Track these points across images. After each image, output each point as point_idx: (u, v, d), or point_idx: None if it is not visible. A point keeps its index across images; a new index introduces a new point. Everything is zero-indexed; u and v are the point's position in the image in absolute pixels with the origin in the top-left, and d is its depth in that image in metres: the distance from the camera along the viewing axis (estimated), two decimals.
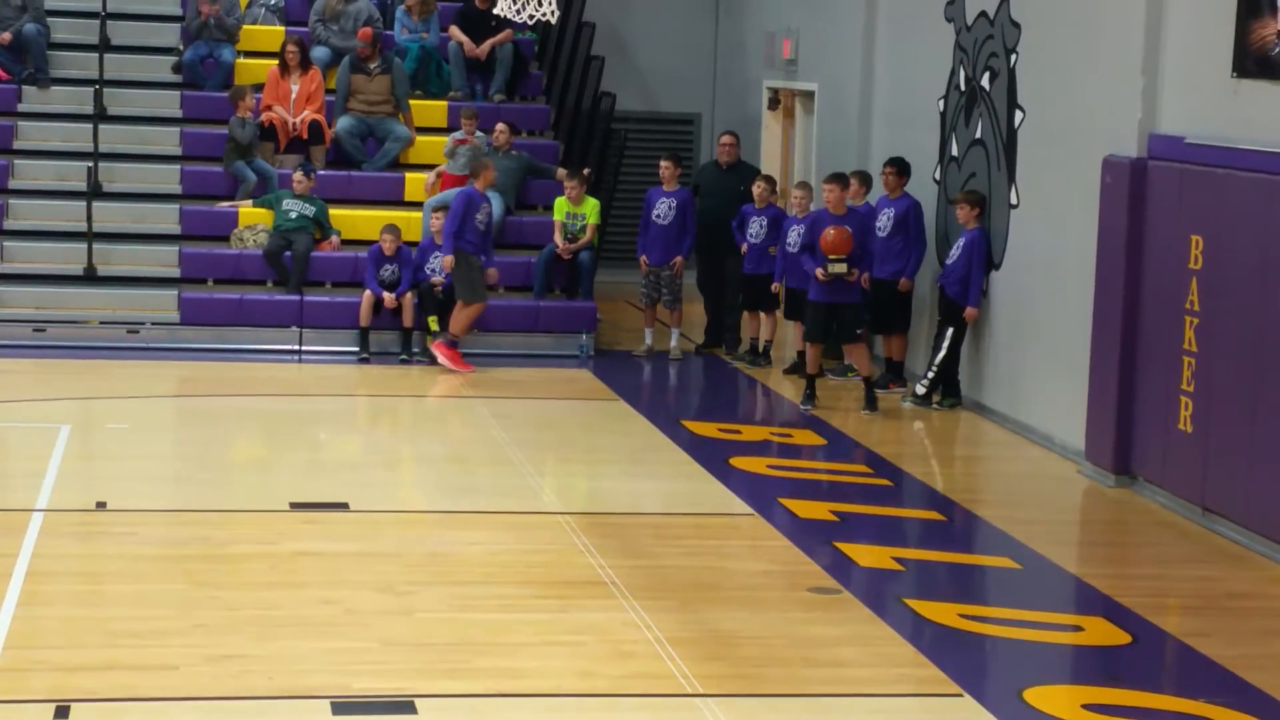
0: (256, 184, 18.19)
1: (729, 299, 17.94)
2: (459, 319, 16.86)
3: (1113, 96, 13.33)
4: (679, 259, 17.53)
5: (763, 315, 17.45)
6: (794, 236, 16.68)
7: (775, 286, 17.02)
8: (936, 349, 15.48)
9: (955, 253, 15.30)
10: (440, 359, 16.76)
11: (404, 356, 17.08)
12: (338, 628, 9.41)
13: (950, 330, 15.33)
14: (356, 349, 17.17)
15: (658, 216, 17.57)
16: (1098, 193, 13.31)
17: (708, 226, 17.79)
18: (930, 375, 15.52)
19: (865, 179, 16.47)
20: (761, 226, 17.18)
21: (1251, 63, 11.77)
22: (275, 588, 10.10)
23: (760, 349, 17.51)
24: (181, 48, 19.70)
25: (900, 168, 16.24)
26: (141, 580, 10.17)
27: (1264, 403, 11.40)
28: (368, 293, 17.08)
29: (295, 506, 11.87)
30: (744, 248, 17.36)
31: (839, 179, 15.78)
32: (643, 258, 17.71)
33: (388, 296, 17.04)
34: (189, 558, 10.60)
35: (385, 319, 17.18)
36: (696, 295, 18.52)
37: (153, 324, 17.33)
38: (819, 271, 15.31)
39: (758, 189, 17.38)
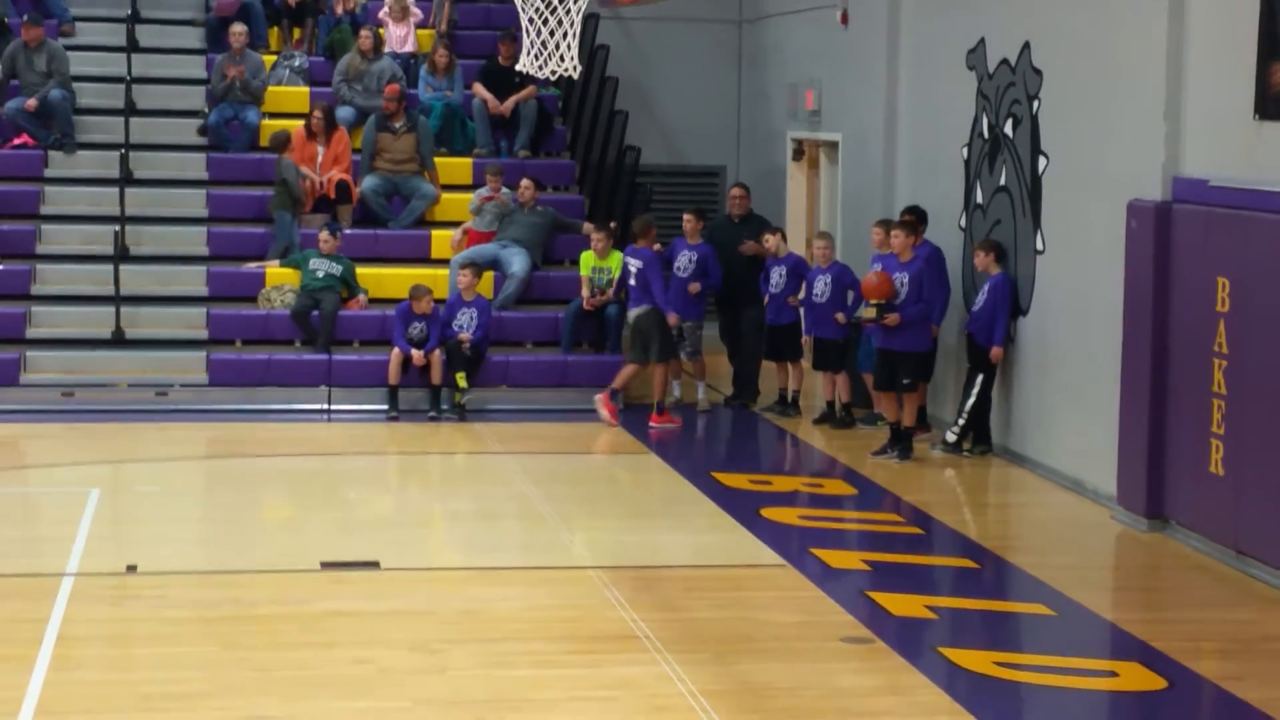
0: (286, 249, 18.25)
1: (748, 350, 17.90)
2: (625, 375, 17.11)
3: (1136, 140, 13.33)
4: (674, 316, 17.30)
5: (789, 365, 17.44)
6: (820, 287, 16.69)
7: (805, 339, 17.03)
8: (966, 395, 15.45)
9: (981, 299, 15.29)
10: (601, 412, 16.89)
11: (433, 414, 17.09)
12: (370, 687, 9.39)
13: (980, 377, 15.30)
14: (385, 407, 17.18)
15: (678, 269, 17.56)
16: (1123, 237, 13.30)
17: (727, 279, 17.78)
18: (960, 422, 15.49)
19: (911, 226, 16.20)
20: (781, 276, 17.18)
21: (1273, 105, 11.76)
22: (307, 648, 10.08)
23: (789, 399, 17.49)
24: (207, 110, 19.82)
25: (920, 217, 16.21)
26: (172, 643, 10.17)
27: None
28: (396, 350, 17.11)
29: (326, 566, 11.87)
30: (766, 298, 17.37)
31: (899, 224, 15.77)
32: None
33: (416, 354, 17.07)
34: (220, 619, 10.60)
35: (414, 376, 17.20)
36: (720, 346, 18.52)
37: (181, 386, 17.38)
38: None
39: (773, 240, 17.34)
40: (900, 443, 15.45)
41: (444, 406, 17.15)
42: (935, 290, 15.78)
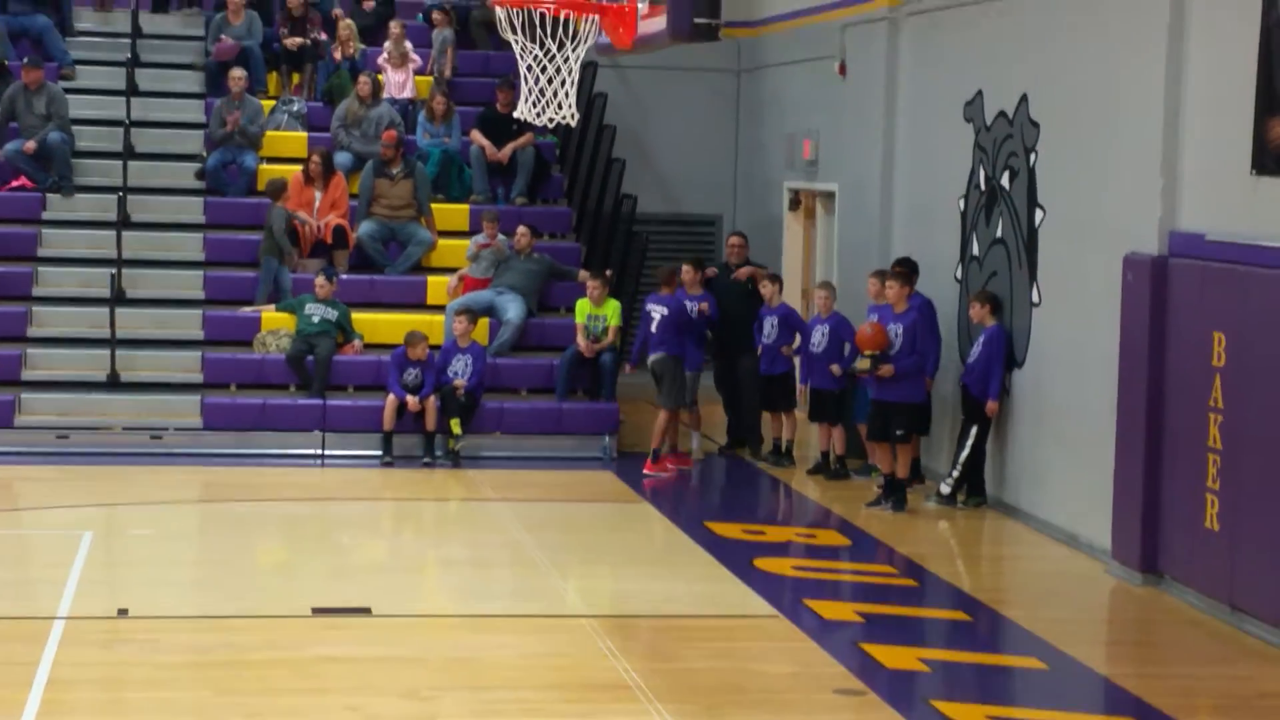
0: (271, 293, 18.27)
1: (747, 399, 17.90)
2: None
3: (1133, 194, 13.35)
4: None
5: (783, 415, 17.43)
6: (818, 337, 16.70)
7: (801, 389, 17.04)
8: (960, 447, 15.44)
9: (976, 350, 15.30)
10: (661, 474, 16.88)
11: (426, 460, 17.07)
12: None
13: (974, 429, 15.29)
14: (380, 452, 17.17)
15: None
16: (1119, 290, 13.31)
17: (721, 328, 17.79)
18: (955, 474, 15.48)
19: (905, 277, 16.22)
20: (773, 326, 17.19)
21: (1270, 160, 11.79)
22: (298, 694, 10.05)
23: (783, 449, 17.47)
24: (205, 154, 19.85)
25: (912, 269, 16.24)
26: (164, 688, 10.13)
27: None
28: (391, 396, 17.10)
29: (318, 611, 11.83)
30: (759, 348, 17.37)
31: (894, 275, 15.79)
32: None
33: (411, 400, 17.06)
34: (212, 664, 10.57)
35: (408, 422, 17.19)
36: (716, 396, 18.52)
37: (176, 429, 17.36)
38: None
39: (766, 289, 17.35)
40: (894, 494, 15.44)
41: (438, 453, 17.14)
42: (928, 342, 15.79)
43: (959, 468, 15.44)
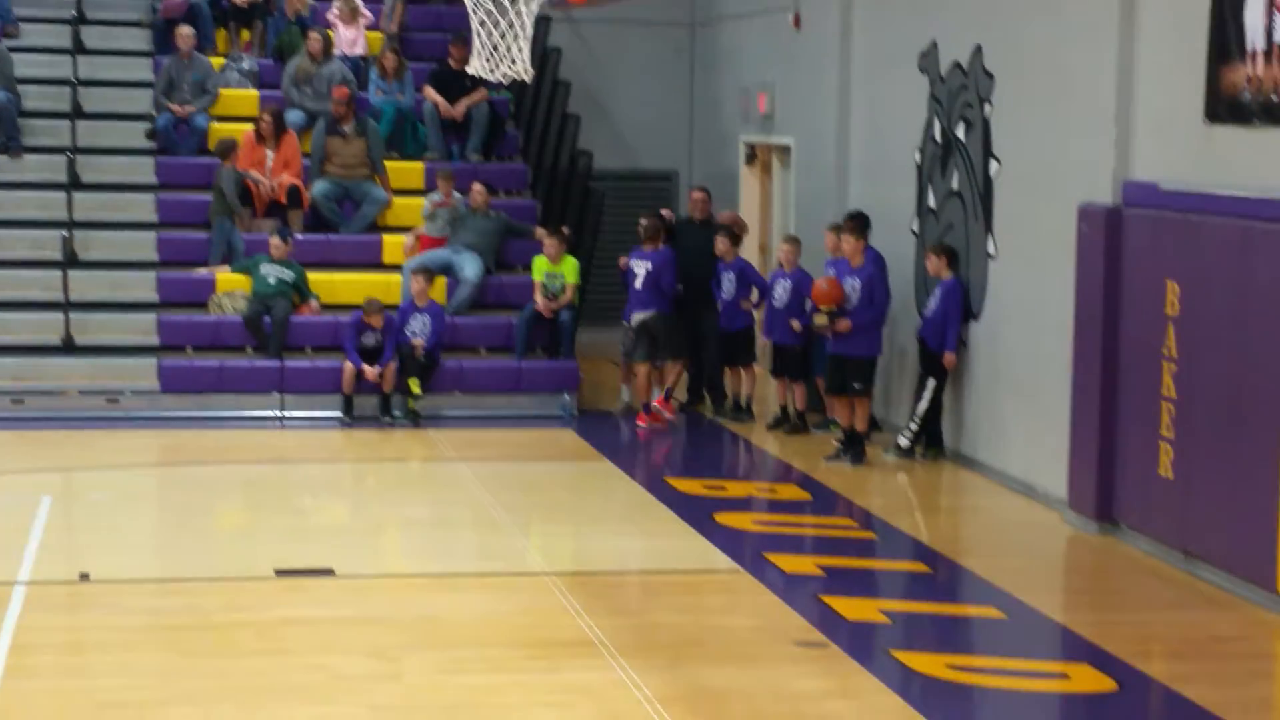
0: (225, 254, 18.19)
1: (709, 355, 17.94)
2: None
3: (1087, 144, 13.40)
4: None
5: (742, 370, 17.47)
6: (780, 291, 16.72)
7: (763, 343, 17.05)
8: (918, 400, 15.51)
9: (933, 303, 15.35)
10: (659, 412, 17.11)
11: (386, 419, 17.06)
12: (326, 694, 9.38)
13: (931, 381, 15.36)
14: (339, 413, 17.15)
15: (635, 278, 17.60)
16: (1074, 241, 13.37)
17: (686, 283, 17.80)
18: (913, 427, 15.54)
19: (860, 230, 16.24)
20: (730, 281, 17.19)
21: (1223, 108, 11.84)
22: (262, 655, 10.06)
23: (742, 404, 17.51)
24: (155, 114, 19.72)
25: (860, 224, 16.29)
26: (127, 650, 10.13)
27: (1242, 447, 11.43)
28: (348, 364, 17.04)
29: (280, 573, 11.83)
30: (719, 304, 17.39)
31: (849, 228, 15.84)
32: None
33: (369, 370, 17.02)
34: (174, 627, 10.57)
35: (368, 384, 17.16)
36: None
37: (132, 392, 17.30)
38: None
39: (722, 244, 17.32)
40: (853, 448, 15.50)
41: (396, 413, 17.12)
42: (885, 296, 15.81)
43: (917, 420, 15.51)
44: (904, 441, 15.57)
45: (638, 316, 17.27)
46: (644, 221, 17.67)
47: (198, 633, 10.44)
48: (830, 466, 15.37)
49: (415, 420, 17.03)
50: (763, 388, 17.84)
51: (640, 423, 17.12)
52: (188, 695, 9.29)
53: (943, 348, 15.20)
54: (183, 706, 9.12)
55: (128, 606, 11.03)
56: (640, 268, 17.19)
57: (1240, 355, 11.49)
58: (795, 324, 16.56)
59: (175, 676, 9.60)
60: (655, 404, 17.23)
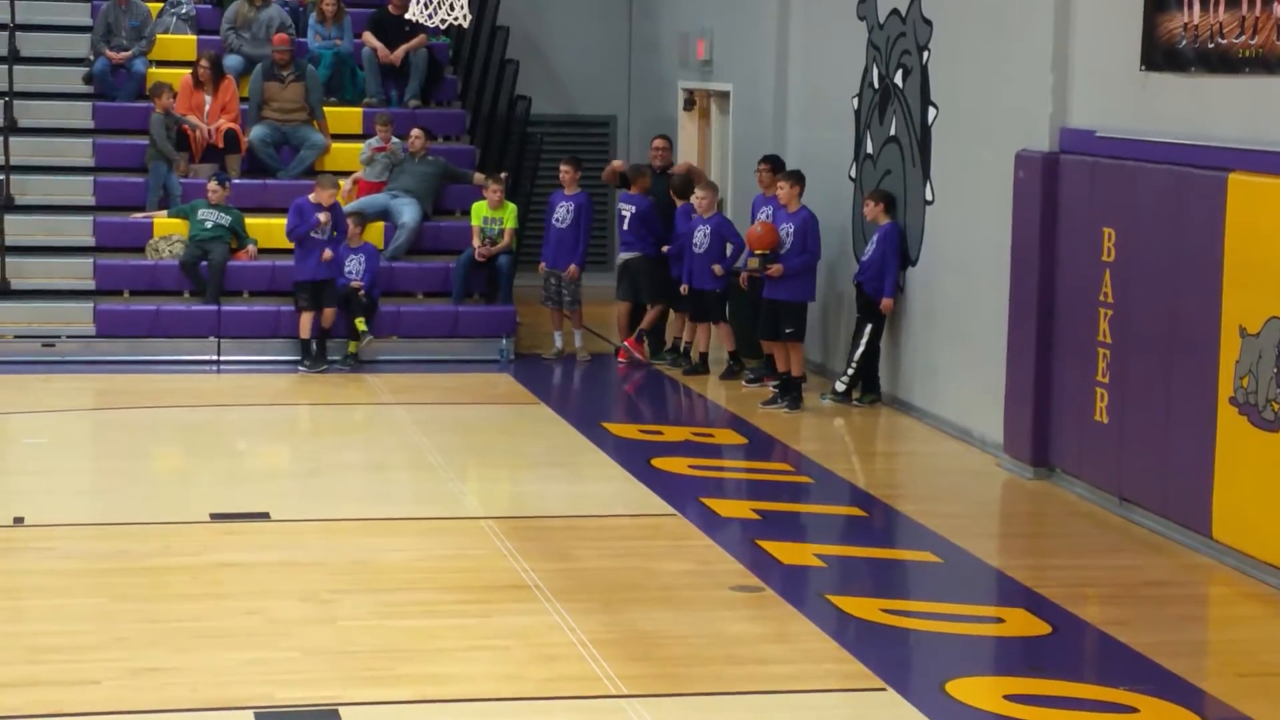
0: (161, 199, 18.08)
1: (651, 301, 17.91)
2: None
3: (1024, 91, 13.43)
4: (573, 267, 17.52)
5: (713, 326, 17.21)
6: (700, 238, 16.70)
7: (683, 288, 17.01)
8: (855, 345, 15.55)
9: (870, 249, 15.38)
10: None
11: (334, 362, 16.96)
12: (261, 638, 9.36)
13: (869, 326, 15.40)
14: (276, 357, 17.11)
15: (557, 220, 17.65)
16: (1011, 187, 13.41)
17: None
18: (850, 372, 15.58)
19: (798, 176, 16.27)
20: (705, 236, 16.81)
21: (1160, 56, 11.88)
22: (197, 599, 10.04)
23: (694, 356, 17.29)
24: (92, 58, 19.55)
25: (775, 166, 16.32)
26: (62, 595, 10.09)
27: (1177, 392, 11.52)
28: (306, 316, 16.91)
29: (216, 517, 11.80)
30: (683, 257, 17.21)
31: (786, 174, 15.87)
32: (541, 264, 17.81)
33: (327, 252, 16.93)
34: (109, 571, 10.54)
35: (318, 327, 17.04)
36: (614, 297, 18.53)
37: (68, 337, 17.20)
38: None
39: (703, 199, 16.94)
40: (789, 393, 15.54)
41: (333, 358, 17.06)
42: (819, 241, 15.79)
43: (853, 365, 15.55)
44: (840, 386, 15.62)
45: (622, 256, 17.56)
46: (619, 165, 18.31)
47: (132, 577, 10.41)
48: (767, 411, 15.41)
49: (357, 364, 16.96)
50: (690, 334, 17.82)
51: (620, 358, 17.35)
52: (122, 639, 9.26)
53: (880, 293, 15.24)
54: (116, 650, 9.09)
55: (62, 551, 10.99)
56: (626, 210, 17.35)
57: (1175, 301, 11.56)
58: (716, 268, 16.56)
59: (109, 620, 9.57)
60: (627, 344, 17.37)
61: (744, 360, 16.89)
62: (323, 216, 16.92)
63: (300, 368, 16.90)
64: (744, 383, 16.55)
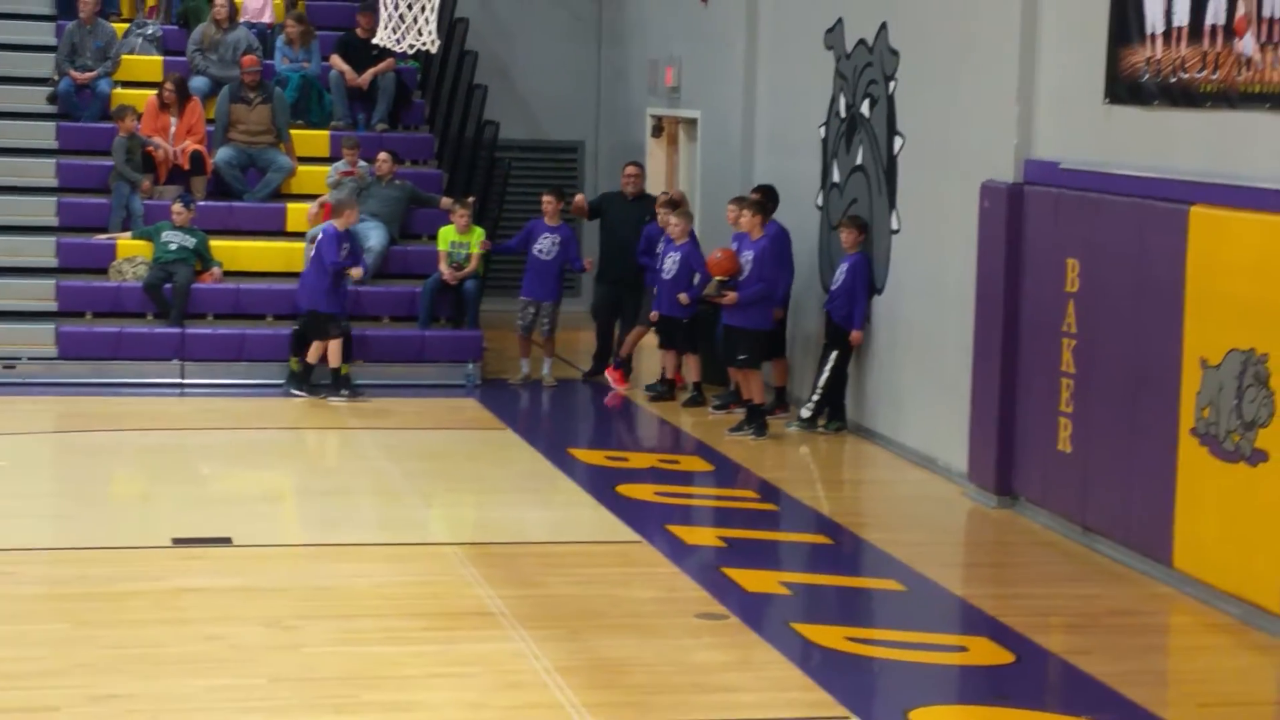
0: (124, 220, 18.03)
1: (625, 330, 17.92)
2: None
3: (989, 122, 13.49)
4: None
5: (683, 356, 17.10)
6: (669, 263, 16.73)
7: (652, 315, 17.05)
8: (820, 372, 15.57)
9: (839, 277, 15.40)
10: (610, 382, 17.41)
11: (335, 393, 16.84)
12: (223, 664, 9.33)
13: (835, 354, 15.42)
14: (261, 381, 17.08)
15: (539, 251, 17.63)
16: (976, 217, 13.46)
17: (611, 256, 17.82)
18: (815, 399, 15.60)
19: (759, 205, 16.32)
20: (674, 263, 16.77)
21: (1123, 89, 11.95)
22: (159, 625, 9.99)
23: (663, 384, 17.30)
24: (57, 78, 19.49)
25: (767, 196, 16.32)
26: (21, 620, 10.03)
27: (1139, 422, 11.56)
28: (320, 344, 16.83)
29: (178, 542, 11.75)
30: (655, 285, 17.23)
31: (748, 203, 15.88)
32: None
33: (355, 271, 16.87)
34: (70, 596, 10.49)
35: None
36: (587, 322, 18.56)
37: (30, 358, 17.11)
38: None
39: (675, 227, 16.89)
40: (754, 420, 15.54)
41: (324, 383, 16.95)
42: (776, 270, 15.77)
43: (819, 392, 15.56)
44: (806, 413, 15.63)
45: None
46: (583, 199, 18.38)
47: (93, 602, 10.36)
48: (732, 438, 15.42)
49: (353, 392, 16.84)
50: (654, 359, 17.86)
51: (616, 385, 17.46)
52: (83, 665, 9.21)
53: (848, 322, 15.26)
54: (78, 677, 9.04)
55: (22, 576, 10.94)
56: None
57: (1138, 332, 11.61)
58: (683, 297, 16.58)
59: (70, 646, 9.52)
60: (606, 373, 17.39)
61: (705, 389, 16.88)
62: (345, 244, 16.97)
63: (297, 393, 16.83)
64: (710, 409, 16.57)
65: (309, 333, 16.86)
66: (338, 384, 16.82)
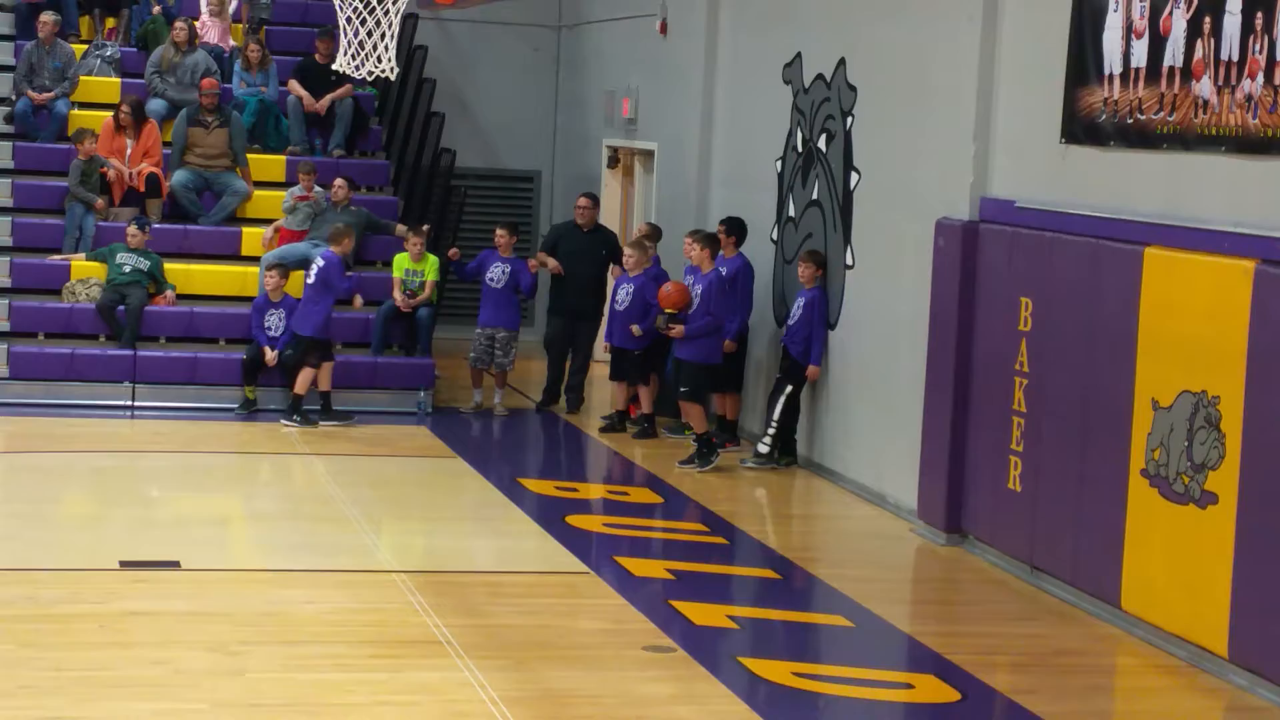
0: (77, 241, 17.96)
1: (579, 361, 17.92)
2: None
3: (946, 160, 13.54)
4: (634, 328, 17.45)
5: (638, 389, 17.09)
6: (622, 294, 16.74)
7: (605, 346, 17.07)
8: (773, 405, 15.55)
9: (796, 312, 15.37)
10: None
11: (296, 419, 16.76)
12: (168, 689, 9.27)
13: (789, 388, 15.43)
14: (198, 404, 17.02)
15: (491, 280, 17.63)
16: (931, 254, 13.50)
17: (566, 289, 17.82)
18: (771, 432, 15.56)
19: (709, 238, 16.45)
20: (627, 294, 16.79)
21: (1080, 129, 12.02)
22: (104, 648, 9.93)
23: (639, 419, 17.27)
24: (14, 98, 19.43)
25: (730, 228, 16.35)
26: None
27: (1089, 462, 11.60)
28: (265, 350, 16.92)
29: (125, 565, 11.70)
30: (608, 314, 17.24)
31: (698, 236, 15.92)
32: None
33: (269, 354, 16.86)
34: (15, 618, 10.41)
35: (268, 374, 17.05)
36: (538, 353, 18.54)
37: None
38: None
39: (631, 257, 16.96)
40: (699, 451, 15.52)
41: (308, 411, 16.90)
42: (726, 304, 15.76)
43: (773, 425, 15.54)
44: (764, 448, 15.56)
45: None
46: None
47: (37, 624, 10.29)
48: (683, 470, 15.41)
49: (305, 418, 16.80)
50: (602, 391, 17.85)
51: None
52: (26, 687, 9.14)
53: (805, 356, 15.24)
54: (20, 699, 8.98)
55: None
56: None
57: (1089, 371, 11.66)
58: (635, 329, 16.58)
59: (13, 667, 9.45)
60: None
61: (658, 421, 16.89)
62: (273, 319, 17.04)
63: (289, 424, 16.75)
64: (666, 430, 16.59)
65: (300, 358, 16.80)
66: (328, 410, 16.79)
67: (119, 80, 19.95)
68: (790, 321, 15.48)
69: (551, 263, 17.88)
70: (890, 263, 14.49)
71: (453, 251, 17.96)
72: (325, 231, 18.13)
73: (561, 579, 12.01)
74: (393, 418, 17.25)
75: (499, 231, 17.82)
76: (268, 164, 19.46)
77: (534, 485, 14.83)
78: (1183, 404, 10.68)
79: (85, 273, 17.72)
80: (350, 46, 13.71)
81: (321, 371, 16.80)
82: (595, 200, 18.58)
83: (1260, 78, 10.26)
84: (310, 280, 16.94)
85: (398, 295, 17.70)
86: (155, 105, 19.27)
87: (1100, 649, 11.01)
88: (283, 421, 16.70)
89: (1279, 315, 9.99)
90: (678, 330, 15.53)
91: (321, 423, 16.69)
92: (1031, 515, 12.26)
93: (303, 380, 16.73)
